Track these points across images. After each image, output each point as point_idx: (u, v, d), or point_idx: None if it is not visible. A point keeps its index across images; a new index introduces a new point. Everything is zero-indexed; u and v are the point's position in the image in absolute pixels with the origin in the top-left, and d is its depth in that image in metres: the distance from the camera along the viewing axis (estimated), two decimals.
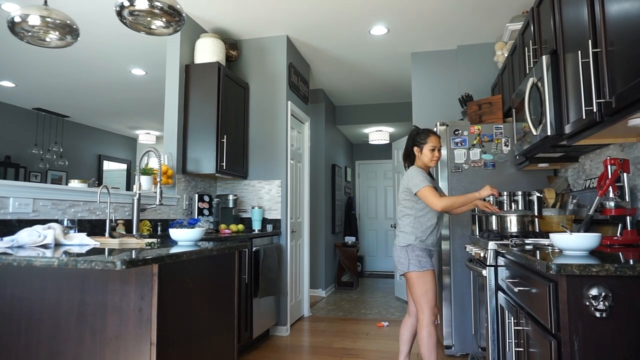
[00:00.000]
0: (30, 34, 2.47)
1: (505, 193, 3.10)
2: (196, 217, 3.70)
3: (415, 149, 2.76)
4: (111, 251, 1.75)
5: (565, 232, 1.74)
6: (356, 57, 4.99)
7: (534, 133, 2.40)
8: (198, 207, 3.75)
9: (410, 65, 5.25)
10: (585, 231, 2.08)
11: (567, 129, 2.09)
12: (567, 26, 2.08)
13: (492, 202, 3.07)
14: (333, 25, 4.18)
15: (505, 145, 3.44)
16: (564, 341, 1.32)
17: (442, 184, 3.52)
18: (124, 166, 9.46)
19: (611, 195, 2.07)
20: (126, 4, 2.25)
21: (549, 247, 1.95)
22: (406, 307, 5.36)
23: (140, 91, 6.25)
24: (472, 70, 4.54)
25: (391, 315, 4.95)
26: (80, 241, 2.09)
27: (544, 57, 2.23)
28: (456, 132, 3.51)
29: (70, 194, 2.58)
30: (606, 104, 1.66)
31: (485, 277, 2.42)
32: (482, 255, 2.50)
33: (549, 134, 2.20)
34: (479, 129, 3.49)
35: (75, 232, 2.32)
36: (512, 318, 1.96)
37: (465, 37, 4.43)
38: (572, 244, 1.57)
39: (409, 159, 2.83)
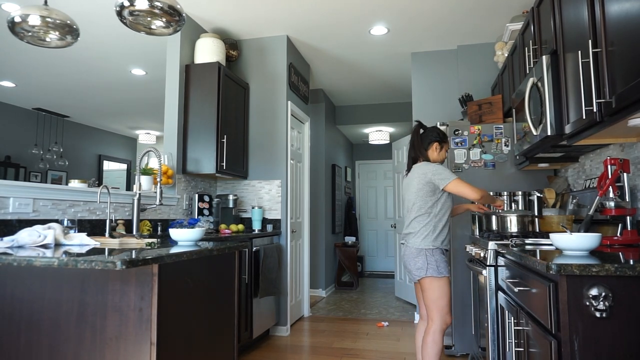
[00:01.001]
0: (30, 34, 2.47)
1: (505, 193, 3.10)
2: (196, 217, 3.70)
3: (437, 145, 2.67)
4: (111, 251, 1.75)
5: (565, 232, 1.73)
6: (356, 57, 4.99)
7: (534, 133, 2.40)
8: (198, 207, 3.75)
9: (410, 65, 5.25)
10: (585, 231, 2.08)
11: (567, 129, 2.09)
12: (567, 26, 2.08)
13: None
14: (333, 25, 4.18)
15: (505, 145, 3.44)
16: (564, 341, 1.32)
17: None
18: (124, 166, 9.46)
19: (611, 195, 2.07)
20: (126, 4, 2.25)
21: (549, 247, 1.95)
22: (406, 307, 5.36)
23: (140, 91, 6.25)
24: (472, 70, 4.53)
25: (391, 315, 4.95)
26: (80, 241, 2.09)
27: (544, 57, 2.23)
28: (456, 132, 3.51)
29: (70, 194, 2.58)
30: (606, 104, 1.66)
31: (485, 277, 2.42)
32: (482, 255, 2.50)
33: (549, 134, 2.20)
34: (479, 129, 3.49)
35: (75, 232, 2.32)
36: (512, 318, 1.96)
37: (465, 37, 4.43)
38: (572, 244, 1.57)
39: (421, 154, 2.68)
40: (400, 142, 5.96)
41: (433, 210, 2.54)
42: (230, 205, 4.02)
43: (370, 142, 7.56)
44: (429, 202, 2.55)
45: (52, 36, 2.52)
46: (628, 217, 2.05)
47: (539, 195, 2.99)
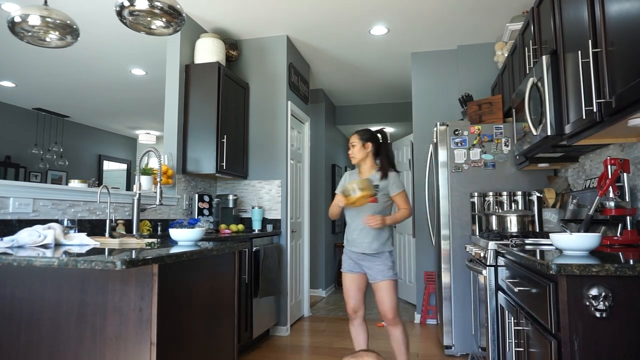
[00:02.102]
0: (30, 34, 2.47)
1: (505, 193, 3.10)
2: (196, 217, 3.70)
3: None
4: (111, 251, 1.75)
5: (565, 232, 1.74)
6: (356, 57, 4.99)
7: (534, 133, 2.40)
8: (198, 207, 3.75)
9: (410, 65, 5.25)
10: (585, 231, 2.08)
11: (567, 129, 2.09)
12: (567, 26, 2.08)
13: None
14: (333, 25, 4.18)
15: (505, 145, 3.44)
16: (564, 341, 1.32)
17: (443, 184, 3.52)
18: (124, 166, 9.46)
19: (611, 195, 2.07)
20: (126, 4, 2.25)
21: (549, 247, 1.95)
22: (406, 307, 5.36)
23: (140, 91, 6.25)
24: (472, 70, 4.53)
25: None
26: (80, 241, 2.09)
27: (544, 57, 2.23)
28: (456, 132, 3.51)
29: (70, 194, 2.58)
30: (606, 104, 1.66)
31: (485, 277, 2.42)
32: (482, 255, 2.50)
33: (549, 134, 2.20)
34: (479, 129, 3.49)
35: (75, 232, 2.32)
36: (512, 318, 1.96)
37: (465, 37, 4.43)
38: (572, 244, 1.57)
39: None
40: (400, 142, 5.96)
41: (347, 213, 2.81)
42: (230, 205, 4.02)
43: None
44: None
45: (52, 36, 2.52)
46: (628, 217, 2.05)
47: (539, 195, 2.99)
